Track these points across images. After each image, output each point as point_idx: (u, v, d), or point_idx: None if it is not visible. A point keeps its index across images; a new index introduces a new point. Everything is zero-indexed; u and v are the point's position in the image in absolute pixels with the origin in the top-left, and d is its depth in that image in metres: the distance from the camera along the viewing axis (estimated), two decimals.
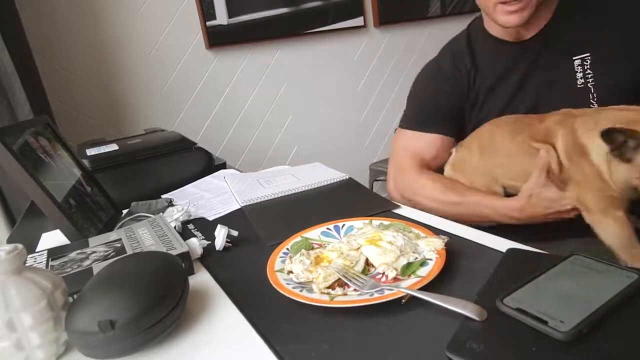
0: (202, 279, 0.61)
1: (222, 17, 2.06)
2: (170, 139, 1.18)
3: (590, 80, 0.84)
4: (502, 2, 0.81)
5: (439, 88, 0.98)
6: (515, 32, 0.89)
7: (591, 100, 0.84)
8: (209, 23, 2.03)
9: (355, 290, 0.51)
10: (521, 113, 0.89)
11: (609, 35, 0.84)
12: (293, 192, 0.91)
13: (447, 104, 0.97)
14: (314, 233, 0.67)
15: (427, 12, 2.66)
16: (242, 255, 0.68)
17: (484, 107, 0.94)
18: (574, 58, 0.85)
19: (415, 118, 1.02)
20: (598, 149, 0.71)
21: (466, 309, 0.43)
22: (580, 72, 0.84)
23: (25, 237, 0.96)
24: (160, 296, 0.47)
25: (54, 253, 0.66)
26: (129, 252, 0.64)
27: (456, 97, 0.96)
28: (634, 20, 0.84)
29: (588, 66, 0.84)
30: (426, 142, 0.98)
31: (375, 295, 0.49)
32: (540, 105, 0.87)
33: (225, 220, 0.82)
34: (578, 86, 0.85)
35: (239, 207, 0.87)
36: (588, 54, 0.84)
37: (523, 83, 0.89)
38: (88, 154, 1.06)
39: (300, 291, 0.51)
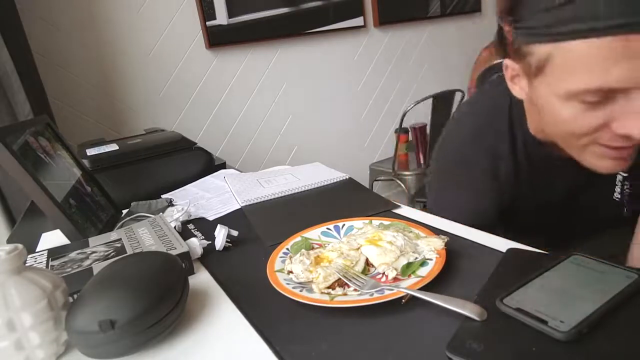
0: (202, 278, 0.61)
1: (222, 17, 2.06)
2: (170, 139, 1.18)
3: (627, 194, 0.74)
4: (611, 146, 0.57)
5: (474, 191, 0.77)
6: None
7: (622, 213, 0.75)
8: (209, 23, 2.03)
9: (355, 290, 0.51)
10: (565, 227, 0.78)
11: None
12: (293, 192, 0.91)
13: (482, 210, 0.76)
14: (314, 233, 0.67)
15: (427, 12, 2.66)
16: (242, 255, 0.68)
17: (527, 223, 0.77)
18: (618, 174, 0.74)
19: None
20: None
21: (466, 309, 0.43)
22: (619, 187, 0.74)
23: (25, 237, 0.96)
24: (160, 296, 0.47)
25: (54, 253, 0.66)
26: (129, 252, 0.64)
27: (496, 205, 0.76)
28: None
29: (627, 185, 0.74)
30: None
31: (375, 295, 0.48)
32: (578, 217, 0.78)
33: (225, 220, 0.82)
34: (613, 198, 0.75)
35: (239, 207, 0.87)
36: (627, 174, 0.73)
37: (571, 199, 0.77)
38: (88, 154, 1.06)
39: (300, 291, 0.51)
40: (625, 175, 0.73)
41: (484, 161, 0.74)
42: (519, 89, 0.64)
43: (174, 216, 0.82)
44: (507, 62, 0.63)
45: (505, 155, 0.73)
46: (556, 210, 0.79)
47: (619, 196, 0.75)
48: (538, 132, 0.70)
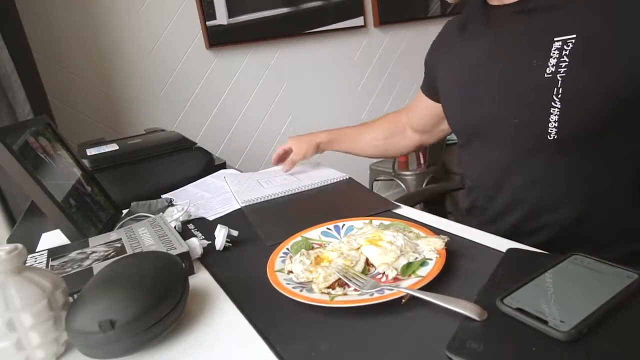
0: (202, 279, 0.61)
1: (222, 17, 2.06)
2: (170, 139, 1.18)
3: (562, 71, 0.64)
4: None
5: (430, 47, 0.97)
6: None
7: (554, 97, 0.64)
8: (209, 23, 2.03)
9: (355, 290, 0.51)
10: (484, 84, 0.75)
11: (613, 26, 0.61)
12: (293, 192, 0.91)
13: (427, 64, 0.96)
14: (314, 233, 0.67)
15: (427, 12, 2.66)
16: (242, 255, 0.68)
17: (446, 70, 0.86)
18: (555, 39, 0.65)
19: None
20: None
21: (466, 309, 0.43)
22: (554, 58, 0.65)
23: (25, 237, 0.96)
24: (160, 296, 0.47)
25: (54, 253, 0.66)
26: (129, 252, 0.64)
27: (434, 59, 0.92)
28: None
29: (567, 52, 0.64)
30: (417, 99, 1.04)
31: (376, 295, 0.49)
32: (500, 84, 0.72)
33: (225, 220, 0.82)
34: (545, 75, 0.65)
35: (239, 207, 0.87)
36: (574, 36, 0.63)
37: (491, 52, 0.75)
38: (88, 154, 1.06)
39: (300, 291, 0.51)
40: (562, 39, 0.65)
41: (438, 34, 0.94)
42: None
43: (174, 216, 0.82)
44: None
45: (454, 24, 0.87)
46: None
47: (553, 69, 0.65)
48: None
